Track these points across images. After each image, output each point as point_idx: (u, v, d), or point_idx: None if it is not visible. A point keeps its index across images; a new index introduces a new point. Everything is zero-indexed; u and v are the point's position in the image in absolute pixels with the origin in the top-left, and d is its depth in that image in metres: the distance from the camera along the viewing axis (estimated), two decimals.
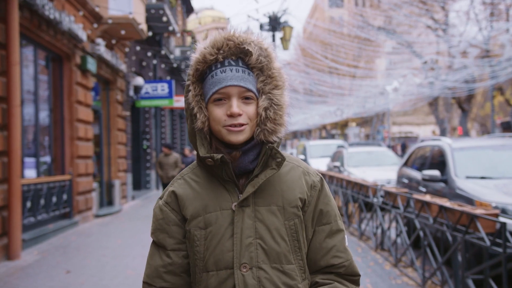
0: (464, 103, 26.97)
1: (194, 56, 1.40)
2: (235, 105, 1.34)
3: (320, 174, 1.49)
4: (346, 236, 1.48)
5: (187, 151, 13.89)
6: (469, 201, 5.55)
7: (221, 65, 1.37)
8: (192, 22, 64.42)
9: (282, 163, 1.39)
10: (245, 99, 1.36)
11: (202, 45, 1.40)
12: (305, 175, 1.45)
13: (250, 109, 1.36)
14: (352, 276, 1.44)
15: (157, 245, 1.45)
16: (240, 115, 1.34)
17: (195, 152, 1.46)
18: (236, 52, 1.37)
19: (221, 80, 1.35)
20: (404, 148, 35.25)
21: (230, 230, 1.36)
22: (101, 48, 11.08)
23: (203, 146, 1.38)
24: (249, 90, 1.36)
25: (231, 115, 1.34)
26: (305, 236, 1.41)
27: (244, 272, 1.33)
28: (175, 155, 11.68)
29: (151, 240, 1.48)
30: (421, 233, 5.50)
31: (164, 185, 11.42)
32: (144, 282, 1.45)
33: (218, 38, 1.38)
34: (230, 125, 1.34)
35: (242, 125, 1.35)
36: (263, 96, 1.38)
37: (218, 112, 1.35)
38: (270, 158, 1.37)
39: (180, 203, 1.42)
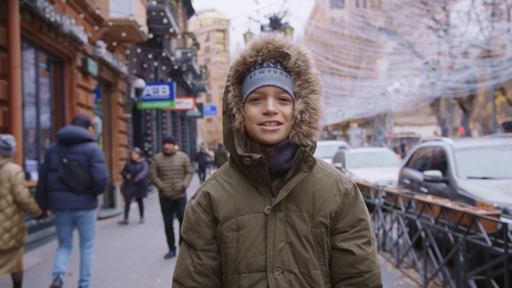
0: (465, 103, 26.95)
1: (235, 58, 1.43)
2: (271, 104, 1.36)
3: (352, 181, 1.50)
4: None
5: (135, 155, 10.83)
6: (471, 201, 5.53)
7: (260, 66, 1.40)
8: (193, 24, 64.57)
9: (313, 166, 1.41)
10: (281, 100, 1.38)
11: (243, 47, 1.43)
12: (337, 183, 1.46)
13: (286, 109, 1.38)
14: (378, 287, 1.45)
15: (188, 245, 1.46)
16: (275, 113, 1.36)
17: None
18: (275, 55, 1.40)
19: (258, 80, 1.38)
20: (403, 148, 35.22)
21: (263, 233, 1.38)
22: (102, 50, 11.10)
23: (240, 146, 1.40)
24: (285, 91, 1.38)
25: (267, 113, 1.36)
26: (329, 243, 1.43)
27: (277, 276, 1.36)
28: (181, 155, 7.34)
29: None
30: (423, 234, 5.49)
31: (173, 202, 7.12)
32: (174, 281, 1.47)
33: (258, 41, 1.41)
34: (265, 123, 1.36)
35: (278, 123, 1.36)
36: (299, 100, 1.39)
37: (254, 110, 1.37)
38: (303, 161, 1.39)
39: (212, 204, 1.43)
